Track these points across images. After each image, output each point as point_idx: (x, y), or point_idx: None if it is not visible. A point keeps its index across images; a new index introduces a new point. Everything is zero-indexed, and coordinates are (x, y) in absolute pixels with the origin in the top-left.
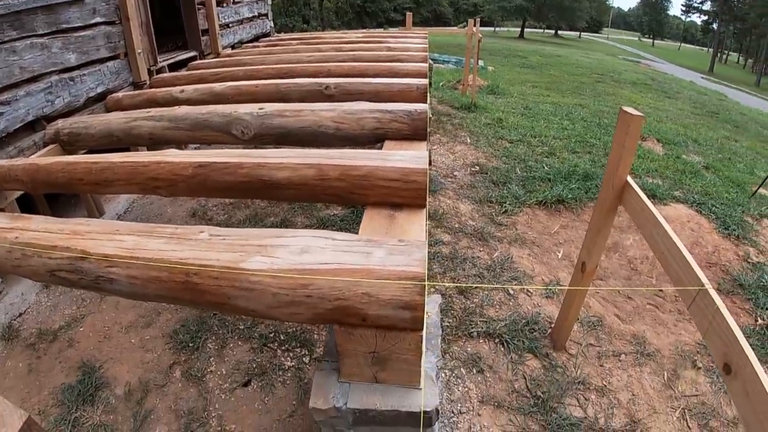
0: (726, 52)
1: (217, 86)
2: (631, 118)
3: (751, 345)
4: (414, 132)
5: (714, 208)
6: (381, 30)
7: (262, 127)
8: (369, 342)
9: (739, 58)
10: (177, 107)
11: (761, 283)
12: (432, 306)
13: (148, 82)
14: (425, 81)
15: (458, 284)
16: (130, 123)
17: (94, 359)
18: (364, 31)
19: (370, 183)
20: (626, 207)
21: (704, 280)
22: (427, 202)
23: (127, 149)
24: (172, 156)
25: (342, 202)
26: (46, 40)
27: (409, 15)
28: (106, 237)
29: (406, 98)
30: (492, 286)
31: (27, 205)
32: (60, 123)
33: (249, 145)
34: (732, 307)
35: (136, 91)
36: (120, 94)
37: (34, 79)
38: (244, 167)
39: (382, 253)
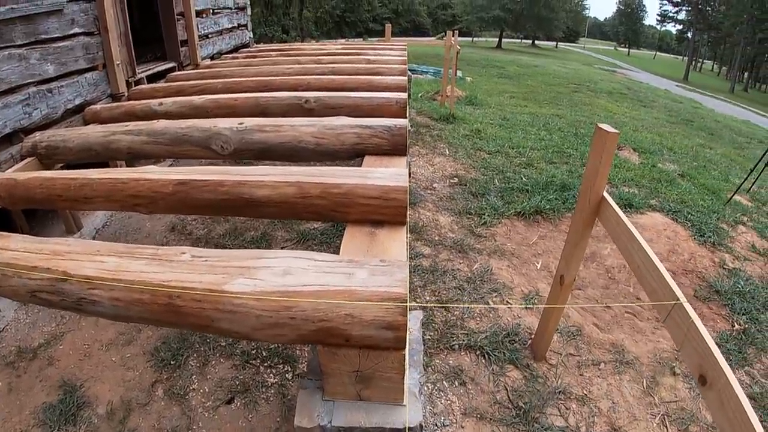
0: (701, 60)
1: (196, 99)
2: (607, 134)
3: (728, 350)
4: (394, 147)
5: (690, 215)
6: (361, 40)
7: (242, 143)
8: (353, 361)
9: (713, 66)
10: (156, 121)
11: (737, 289)
12: (414, 322)
13: (126, 94)
14: (404, 95)
15: (444, 305)
16: (108, 137)
17: (75, 378)
18: (343, 42)
19: (350, 201)
20: (602, 221)
21: (679, 293)
22: (407, 219)
23: (106, 163)
24: (151, 173)
25: (323, 220)
26: (24, 50)
27: (388, 27)
28: (87, 258)
29: (386, 112)
30: (475, 305)
31: (4, 219)
32: (38, 136)
33: (229, 160)
34: (709, 314)
35: (115, 104)
36: (98, 106)
37: (11, 91)
38: (224, 185)
39: (364, 274)
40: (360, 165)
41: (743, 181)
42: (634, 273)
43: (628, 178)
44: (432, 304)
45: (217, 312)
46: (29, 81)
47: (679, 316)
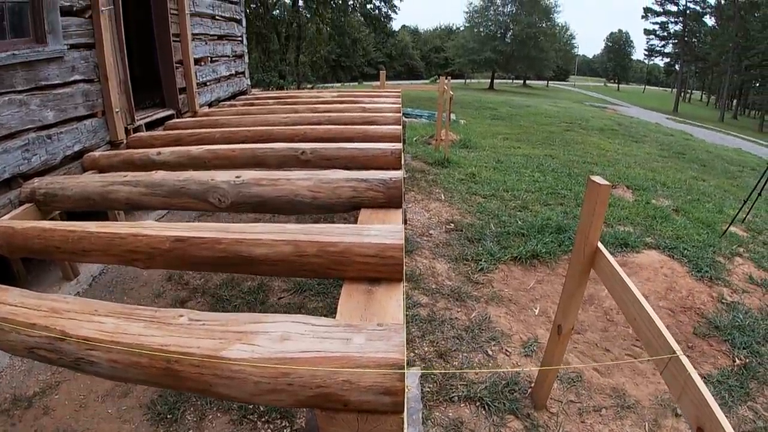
0: (689, 91)
1: (194, 149)
2: (599, 187)
3: (730, 386)
4: (389, 200)
5: (686, 251)
6: (356, 84)
7: (239, 196)
8: (351, 425)
9: (702, 96)
10: (154, 173)
11: (736, 323)
12: (412, 379)
13: (125, 141)
14: (399, 146)
15: (446, 371)
16: (106, 187)
17: (70, 429)
18: (339, 87)
19: (347, 259)
20: (598, 271)
21: (675, 346)
22: (404, 276)
23: (104, 211)
24: (149, 228)
25: (320, 277)
26: (25, 96)
27: (382, 73)
28: (86, 318)
29: (382, 163)
30: (476, 369)
31: (2, 264)
32: (36, 182)
33: (227, 212)
34: (709, 350)
35: (113, 151)
36: (97, 154)
37: (11, 136)
38: (221, 243)
39: (362, 340)
40: (356, 217)
41: (737, 212)
42: (630, 324)
43: (623, 216)
44: (437, 370)
45: (215, 378)
46: (29, 127)
47: (675, 368)
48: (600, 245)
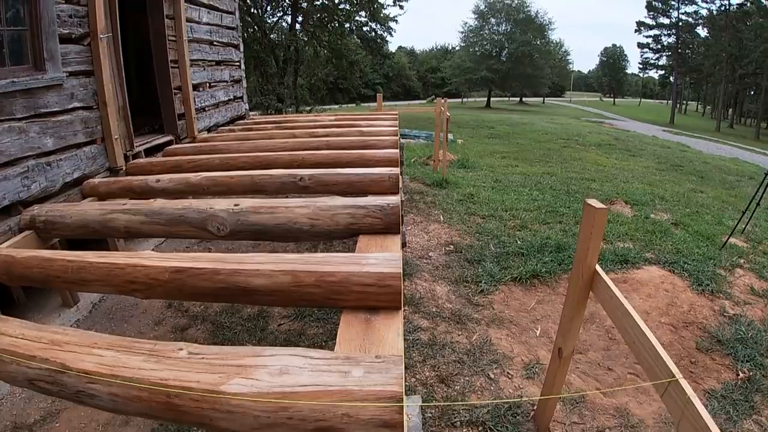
0: (685, 102)
1: (192, 177)
2: (596, 211)
3: (734, 400)
4: (387, 226)
5: (686, 265)
6: (354, 106)
7: (237, 224)
8: None
9: (697, 106)
10: (153, 201)
11: (739, 336)
12: (412, 408)
13: (124, 168)
14: (396, 170)
15: (446, 403)
16: (106, 215)
17: None
18: (337, 112)
19: (345, 288)
20: (597, 295)
21: (675, 370)
22: (402, 304)
23: (104, 239)
24: (148, 259)
25: (319, 307)
26: (24, 124)
27: (379, 96)
28: (85, 350)
29: (380, 188)
30: (474, 402)
31: (2, 290)
32: (36, 209)
33: (226, 240)
34: (712, 365)
35: (112, 179)
36: (96, 180)
37: (10, 163)
38: (220, 273)
39: (360, 373)
40: (355, 244)
41: (737, 224)
42: (630, 348)
43: (622, 232)
44: (439, 403)
45: (215, 412)
46: (28, 154)
47: (675, 392)
48: (598, 268)
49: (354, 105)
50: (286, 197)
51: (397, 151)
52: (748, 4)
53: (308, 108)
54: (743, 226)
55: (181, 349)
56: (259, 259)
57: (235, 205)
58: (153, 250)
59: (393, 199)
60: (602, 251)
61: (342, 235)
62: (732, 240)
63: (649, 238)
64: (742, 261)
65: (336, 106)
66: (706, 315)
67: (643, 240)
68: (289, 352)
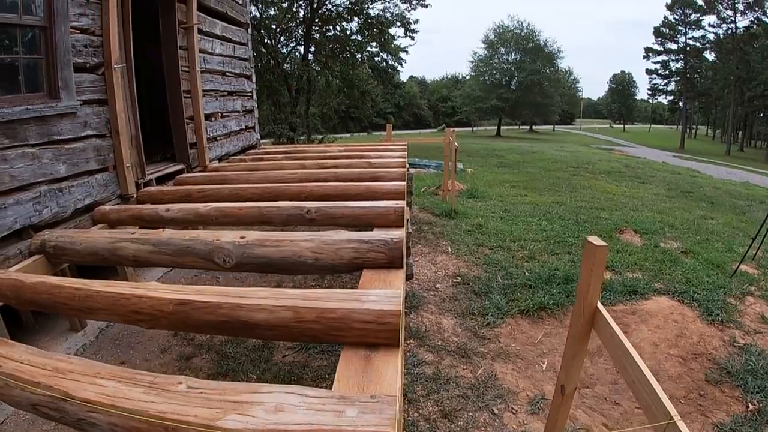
0: (694, 126)
1: (201, 207)
2: (596, 248)
3: None
4: (391, 261)
5: (696, 294)
6: (365, 135)
7: (243, 257)
8: None
9: (707, 130)
10: (161, 230)
11: (749, 367)
12: None
13: (135, 196)
14: (402, 203)
15: None
16: (115, 243)
17: None
18: (346, 142)
19: (345, 325)
20: (598, 333)
21: (672, 411)
22: (401, 341)
23: (113, 266)
24: (153, 290)
25: (319, 342)
26: (37, 150)
27: (389, 127)
28: (88, 380)
29: (385, 221)
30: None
31: (11, 312)
32: (47, 234)
33: (232, 272)
34: (722, 397)
35: (123, 206)
36: (107, 207)
37: (23, 188)
38: (223, 307)
39: (354, 413)
40: (359, 278)
41: (747, 250)
42: (630, 387)
43: (631, 262)
44: None
45: None
46: (41, 180)
47: None
48: (599, 306)
49: (366, 134)
50: (296, 228)
51: (404, 183)
52: (755, 27)
53: (320, 137)
54: (754, 253)
55: (181, 383)
56: (261, 294)
57: (242, 237)
58: (162, 277)
59: (397, 234)
60: (611, 282)
61: (346, 269)
62: (742, 267)
63: (659, 268)
64: (752, 288)
65: (348, 135)
66: (716, 345)
67: (652, 270)
68: (285, 389)
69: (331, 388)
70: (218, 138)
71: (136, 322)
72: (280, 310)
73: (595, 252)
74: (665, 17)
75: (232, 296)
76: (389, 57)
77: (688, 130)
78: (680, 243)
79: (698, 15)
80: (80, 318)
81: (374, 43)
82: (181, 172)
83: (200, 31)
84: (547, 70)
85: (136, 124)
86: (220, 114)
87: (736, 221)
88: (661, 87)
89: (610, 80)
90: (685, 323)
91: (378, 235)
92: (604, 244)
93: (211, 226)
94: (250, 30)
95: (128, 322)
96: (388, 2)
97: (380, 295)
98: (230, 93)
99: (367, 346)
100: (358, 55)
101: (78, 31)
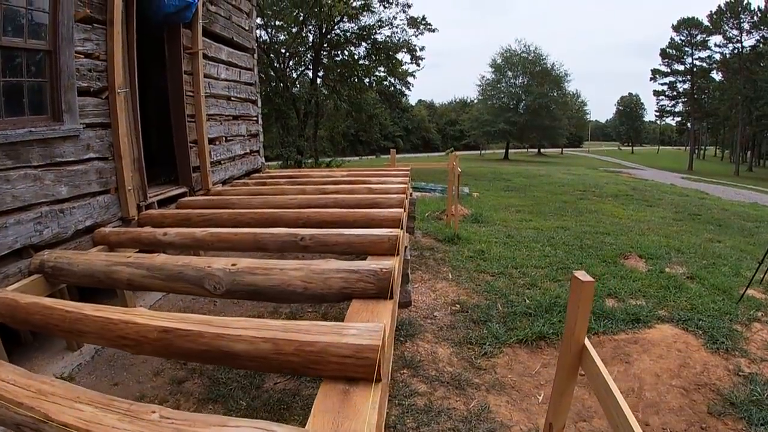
0: (703, 147)
1: (198, 232)
2: (582, 284)
3: None
4: (380, 291)
5: (701, 322)
6: (373, 158)
7: (233, 284)
8: None
9: (716, 151)
10: (156, 255)
11: (754, 397)
12: None
13: (136, 218)
14: (397, 232)
15: None
16: (110, 267)
17: None
18: (350, 166)
19: (323, 359)
20: (585, 371)
21: None
22: (381, 376)
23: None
24: (140, 316)
25: (299, 375)
26: (40, 171)
27: (393, 151)
28: (68, 403)
29: (379, 249)
30: None
31: (10, 329)
32: (46, 254)
33: (223, 298)
34: (724, 430)
35: (123, 229)
36: (107, 229)
37: (24, 209)
38: (204, 336)
39: None
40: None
41: (754, 274)
42: (613, 431)
43: (635, 289)
44: None
45: None
46: (42, 200)
47: None
48: (587, 343)
49: (374, 157)
50: (292, 255)
51: (401, 210)
52: (761, 45)
53: (328, 160)
54: (761, 276)
55: (154, 412)
56: (243, 324)
57: (233, 264)
58: (159, 301)
59: (387, 264)
60: (613, 310)
61: (335, 299)
62: (749, 292)
63: (663, 294)
64: (759, 314)
65: (356, 158)
66: (720, 375)
67: (656, 296)
68: (254, 424)
69: None
70: (222, 162)
71: (123, 347)
72: (259, 342)
73: (581, 288)
74: (671, 38)
75: (214, 325)
76: (396, 81)
77: (696, 151)
78: (686, 268)
79: (704, 35)
80: (70, 340)
81: (382, 68)
82: (183, 195)
83: (205, 57)
84: (555, 94)
85: (138, 148)
86: (224, 138)
87: (744, 244)
88: (668, 108)
89: (617, 102)
90: (688, 352)
91: (367, 264)
92: (591, 279)
93: (207, 251)
94: (256, 55)
95: (115, 347)
96: (395, 28)
97: (361, 328)
98: (235, 117)
99: (347, 380)
100: (366, 80)
101: (82, 56)
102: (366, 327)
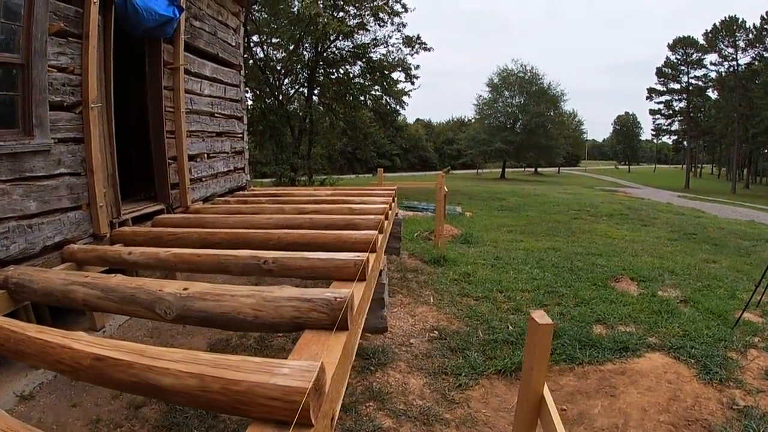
0: (699, 165)
1: (162, 252)
2: (539, 326)
3: None
4: (333, 322)
5: (693, 350)
6: (370, 176)
7: (183, 309)
8: None
9: (712, 168)
10: (112, 276)
11: None
12: None
13: (108, 235)
14: (364, 256)
15: None
16: (67, 286)
17: None
18: (337, 185)
19: (250, 400)
20: (543, 424)
21: None
22: (313, 421)
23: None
24: (77, 341)
25: (228, 414)
26: (8, 186)
27: (380, 171)
28: None
29: (345, 274)
30: None
31: None
32: (10, 270)
33: (175, 323)
34: None
35: (90, 246)
36: (75, 247)
37: None
38: (134, 367)
39: None
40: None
41: (750, 297)
42: None
43: (625, 314)
44: None
45: None
46: (10, 215)
47: None
48: (546, 393)
49: (371, 175)
50: (257, 280)
51: (375, 233)
52: (756, 63)
53: (323, 178)
54: (758, 298)
55: None
56: (174, 356)
57: (184, 289)
58: (124, 324)
59: (343, 292)
60: (600, 338)
61: (287, 329)
62: (746, 315)
63: (654, 320)
64: (756, 339)
65: (353, 176)
66: (713, 409)
67: (647, 322)
68: None
69: None
70: (203, 179)
71: (62, 371)
72: (186, 377)
73: (538, 331)
74: (667, 57)
75: (146, 356)
76: (391, 100)
77: (693, 169)
78: (680, 291)
79: (700, 54)
80: (17, 360)
81: (377, 87)
82: (160, 212)
83: (188, 72)
84: (551, 113)
85: (113, 164)
86: (206, 155)
87: (741, 264)
88: (665, 127)
89: (614, 122)
90: (679, 384)
91: (321, 293)
92: (549, 321)
93: (171, 272)
94: (243, 72)
95: (55, 371)
96: (391, 46)
97: (294, 367)
98: (219, 134)
99: (277, 424)
100: (361, 98)
101: (56, 70)
102: (299, 366)
